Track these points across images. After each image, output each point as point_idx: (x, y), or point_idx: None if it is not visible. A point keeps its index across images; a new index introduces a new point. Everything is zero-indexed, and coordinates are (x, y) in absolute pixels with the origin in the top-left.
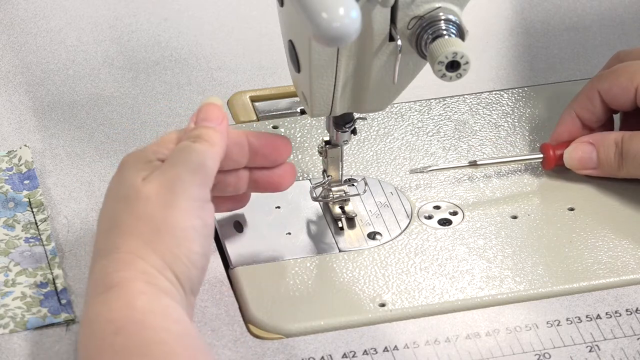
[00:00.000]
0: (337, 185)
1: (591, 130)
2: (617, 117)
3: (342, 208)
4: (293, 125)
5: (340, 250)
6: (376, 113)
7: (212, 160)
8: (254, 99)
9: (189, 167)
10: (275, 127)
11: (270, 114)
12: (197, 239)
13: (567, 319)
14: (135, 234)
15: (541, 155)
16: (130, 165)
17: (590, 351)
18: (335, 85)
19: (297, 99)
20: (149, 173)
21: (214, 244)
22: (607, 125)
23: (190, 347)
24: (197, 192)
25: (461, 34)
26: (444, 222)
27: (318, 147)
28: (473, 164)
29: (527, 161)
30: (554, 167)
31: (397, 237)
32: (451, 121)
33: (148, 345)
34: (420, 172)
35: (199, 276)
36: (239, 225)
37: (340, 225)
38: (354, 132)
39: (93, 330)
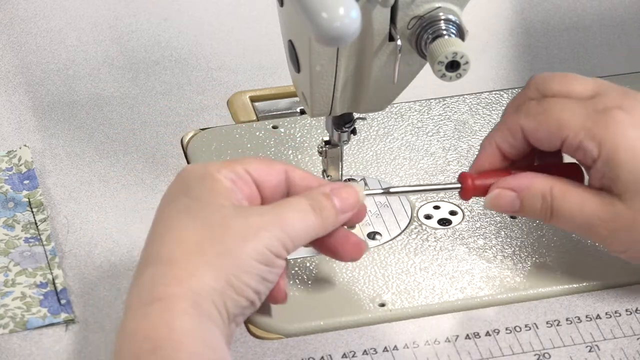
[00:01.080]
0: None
1: (512, 161)
2: None
3: None
4: (293, 125)
5: None
6: (376, 113)
7: (307, 232)
8: (254, 99)
9: (281, 223)
10: (275, 127)
11: (270, 114)
12: (255, 277)
13: (567, 319)
14: (200, 253)
15: (459, 185)
16: (204, 183)
17: (590, 351)
18: (335, 85)
19: (297, 99)
20: (234, 198)
21: None
22: (529, 157)
23: None
24: (275, 247)
25: (461, 34)
26: (444, 222)
27: (318, 147)
28: (386, 191)
29: (445, 190)
30: (471, 197)
31: (396, 237)
32: (451, 121)
33: None
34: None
35: (245, 310)
36: None
37: None
38: (353, 132)
39: (129, 346)
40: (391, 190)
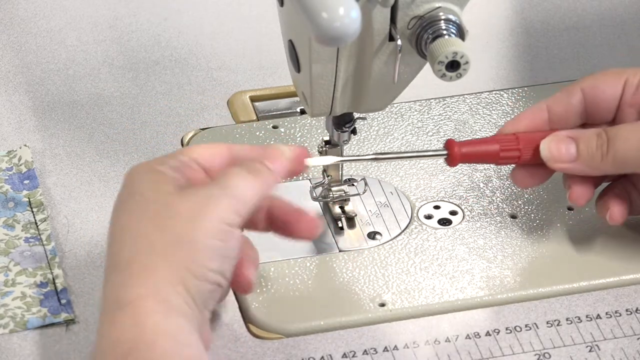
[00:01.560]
0: (337, 185)
1: (552, 131)
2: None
3: (342, 208)
4: (293, 125)
5: (340, 250)
6: (376, 113)
7: (253, 193)
8: (254, 99)
9: (227, 192)
10: (275, 127)
11: (270, 113)
12: (214, 257)
13: (567, 319)
14: (154, 248)
15: (445, 152)
16: (148, 178)
17: (590, 351)
18: (335, 85)
19: (297, 99)
20: (179, 186)
21: None
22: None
23: None
24: (227, 217)
25: (461, 33)
26: (444, 222)
27: (318, 147)
28: (374, 158)
29: (431, 157)
30: (458, 164)
31: (397, 237)
32: (451, 121)
33: None
34: (322, 164)
35: (213, 292)
36: None
37: (340, 225)
38: (354, 132)
39: (104, 350)
40: (379, 157)
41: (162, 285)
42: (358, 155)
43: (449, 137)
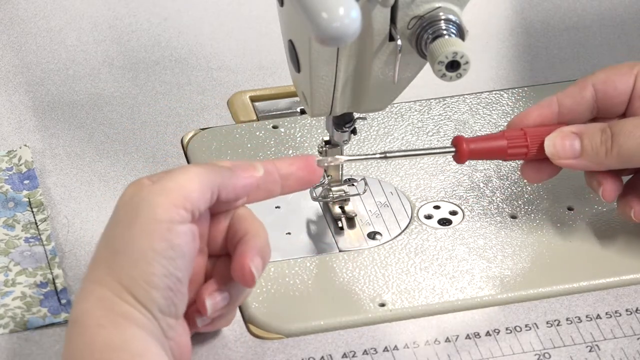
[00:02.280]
0: (337, 185)
1: (561, 125)
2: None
3: (342, 208)
4: (293, 125)
5: (340, 250)
6: (376, 113)
7: (196, 182)
8: (254, 99)
9: (162, 187)
10: (275, 127)
11: (270, 113)
12: (156, 261)
13: (567, 319)
14: (100, 260)
15: (453, 149)
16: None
17: (590, 351)
18: (335, 85)
19: (297, 99)
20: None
21: None
22: None
23: None
24: (164, 214)
25: (461, 33)
26: (444, 222)
27: (318, 147)
28: (383, 156)
29: (439, 154)
30: (466, 161)
31: (397, 237)
32: (451, 121)
33: None
34: (327, 163)
35: (168, 297)
36: None
37: (340, 225)
38: (354, 132)
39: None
40: (387, 155)
41: (107, 297)
42: (366, 155)
43: (449, 137)
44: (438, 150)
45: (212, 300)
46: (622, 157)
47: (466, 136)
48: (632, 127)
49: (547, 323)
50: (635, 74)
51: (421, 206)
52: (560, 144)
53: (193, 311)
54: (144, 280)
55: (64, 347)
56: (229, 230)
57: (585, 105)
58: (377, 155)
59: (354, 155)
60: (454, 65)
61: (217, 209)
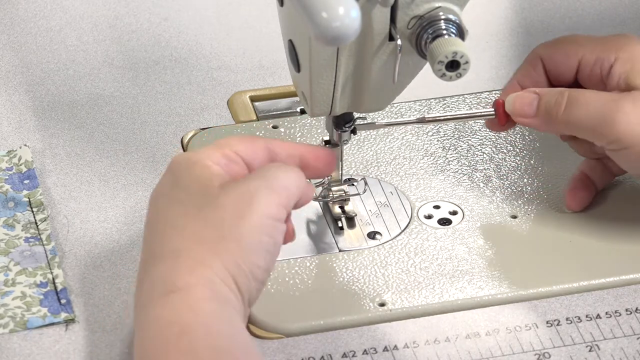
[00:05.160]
0: (337, 185)
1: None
2: None
3: (342, 208)
4: (293, 125)
5: (340, 250)
6: (376, 113)
7: (297, 186)
8: (254, 99)
9: (272, 185)
10: (275, 127)
11: (270, 113)
12: (262, 254)
13: (567, 319)
14: (202, 241)
15: (493, 111)
16: (194, 172)
17: (590, 351)
18: (335, 85)
19: (297, 98)
20: (223, 181)
21: None
22: None
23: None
24: (273, 211)
25: (461, 33)
26: (444, 222)
27: None
28: (421, 120)
29: (479, 117)
30: (506, 123)
31: (397, 236)
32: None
33: (216, 351)
34: (367, 129)
35: (258, 289)
36: None
37: (340, 225)
38: (353, 132)
39: (154, 332)
40: (426, 118)
41: (212, 277)
42: (403, 120)
43: (449, 137)
44: (478, 114)
45: None
46: (571, 124)
47: (464, 137)
48: (589, 99)
49: (547, 323)
50: (579, 58)
51: (421, 206)
52: (519, 102)
53: None
54: (250, 271)
55: (152, 309)
56: None
57: (541, 79)
58: (413, 120)
59: (391, 121)
60: (453, 65)
61: None
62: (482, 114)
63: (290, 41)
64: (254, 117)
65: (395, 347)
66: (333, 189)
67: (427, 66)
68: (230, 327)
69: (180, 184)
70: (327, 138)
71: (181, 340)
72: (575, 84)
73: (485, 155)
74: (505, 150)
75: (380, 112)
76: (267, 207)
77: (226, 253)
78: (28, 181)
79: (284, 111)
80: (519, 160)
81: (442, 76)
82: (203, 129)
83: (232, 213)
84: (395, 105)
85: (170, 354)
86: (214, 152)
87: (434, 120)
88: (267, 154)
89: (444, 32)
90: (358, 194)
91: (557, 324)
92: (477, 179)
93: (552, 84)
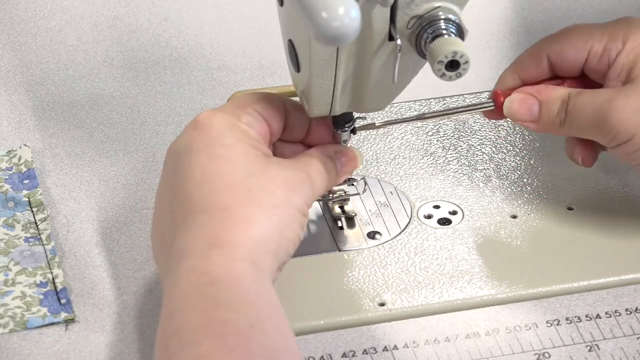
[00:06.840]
0: (336, 185)
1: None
2: None
3: (341, 207)
4: None
5: (339, 250)
6: (376, 113)
7: (322, 190)
8: None
9: (312, 181)
10: None
11: None
12: (300, 228)
13: (567, 319)
14: (254, 201)
15: (492, 103)
16: (232, 133)
17: (590, 351)
18: (334, 85)
19: (297, 98)
20: (260, 145)
21: None
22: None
23: (279, 321)
24: (309, 202)
25: (461, 33)
26: (444, 222)
27: None
28: (421, 117)
29: (477, 110)
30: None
31: (396, 236)
32: (451, 121)
33: (239, 302)
34: (366, 129)
35: (285, 264)
36: None
37: (340, 224)
38: (353, 131)
39: (188, 276)
40: (425, 116)
41: (258, 240)
42: (402, 118)
43: (449, 137)
44: (476, 107)
45: None
46: (574, 131)
47: (464, 137)
48: (584, 104)
49: (547, 323)
50: (588, 48)
51: (421, 206)
52: (518, 106)
53: None
54: (289, 240)
55: (192, 261)
56: None
57: (545, 74)
58: (412, 118)
59: (389, 120)
60: (453, 65)
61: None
62: (481, 106)
63: (290, 41)
64: None
65: (395, 347)
66: (333, 188)
67: (427, 66)
68: (262, 287)
69: (224, 142)
70: None
71: (207, 288)
72: (581, 73)
73: (485, 155)
74: (505, 150)
75: (380, 112)
76: (306, 196)
77: (276, 218)
78: (28, 181)
79: None
80: (519, 160)
81: (442, 76)
82: None
83: (285, 188)
84: (395, 105)
85: (193, 299)
86: (241, 112)
87: (433, 116)
88: (283, 112)
89: (444, 32)
90: (358, 194)
91: (557, 324)
92: (477, 178)
93: (556, 76)
